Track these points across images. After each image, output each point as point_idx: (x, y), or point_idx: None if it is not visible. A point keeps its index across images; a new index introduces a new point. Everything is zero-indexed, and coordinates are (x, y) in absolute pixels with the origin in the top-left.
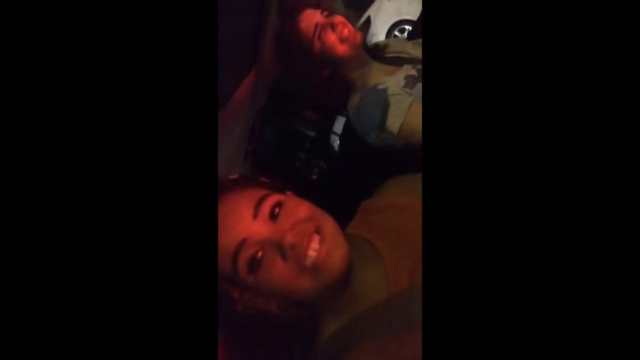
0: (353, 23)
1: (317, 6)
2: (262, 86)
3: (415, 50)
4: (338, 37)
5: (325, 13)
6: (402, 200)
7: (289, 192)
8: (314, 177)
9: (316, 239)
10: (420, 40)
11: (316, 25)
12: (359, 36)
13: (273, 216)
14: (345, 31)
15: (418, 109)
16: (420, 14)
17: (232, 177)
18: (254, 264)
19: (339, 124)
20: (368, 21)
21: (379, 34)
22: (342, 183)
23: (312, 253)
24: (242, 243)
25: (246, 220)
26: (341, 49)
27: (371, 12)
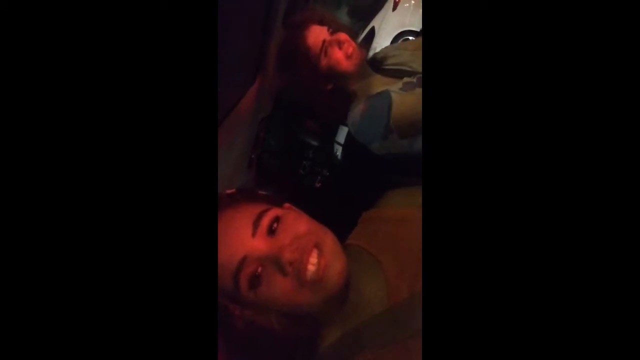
0: (357, 36)
1: (321, 21)
2: (266, 96)
3: (416, 63)
4: (344, 54)
5: (331, 30)
6: (403, 212)
7: (287, 205)
8: (318, 185)
9: (315, 253)
10: (416, 40)
11: (323, 42)
12: (363, 53)
13: (271, 232)
14: (351, 49)
15: (403, 98)
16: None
17: (228, 192)
18: (255, 281)
19: (342, 134)
20: (372, 32)
21: (383, 44)
22: (344, 193)
23: (310, 268)
24: (243, 261)
25: (245, 238)
26: (346, 65)
27: (375, 22)
